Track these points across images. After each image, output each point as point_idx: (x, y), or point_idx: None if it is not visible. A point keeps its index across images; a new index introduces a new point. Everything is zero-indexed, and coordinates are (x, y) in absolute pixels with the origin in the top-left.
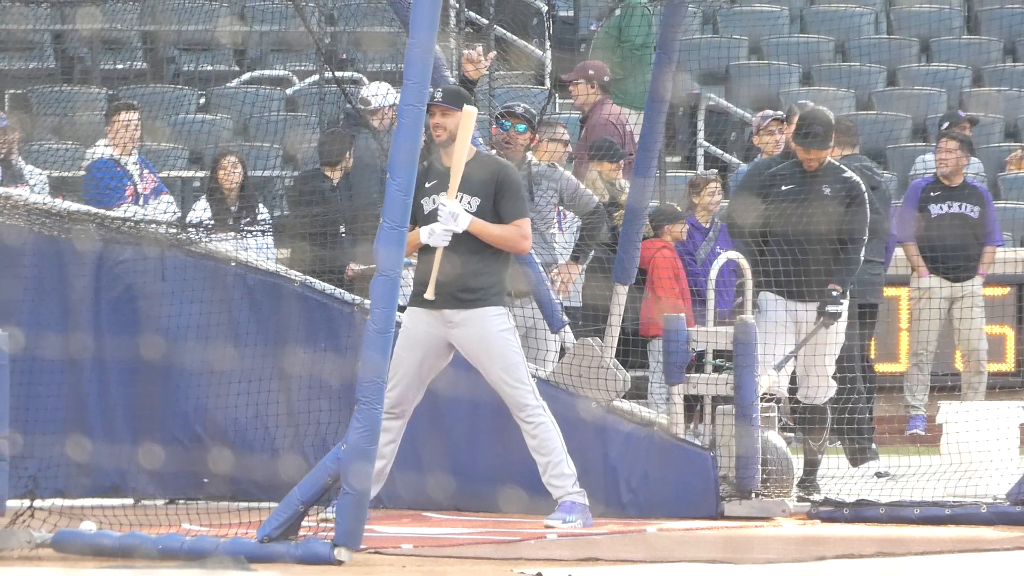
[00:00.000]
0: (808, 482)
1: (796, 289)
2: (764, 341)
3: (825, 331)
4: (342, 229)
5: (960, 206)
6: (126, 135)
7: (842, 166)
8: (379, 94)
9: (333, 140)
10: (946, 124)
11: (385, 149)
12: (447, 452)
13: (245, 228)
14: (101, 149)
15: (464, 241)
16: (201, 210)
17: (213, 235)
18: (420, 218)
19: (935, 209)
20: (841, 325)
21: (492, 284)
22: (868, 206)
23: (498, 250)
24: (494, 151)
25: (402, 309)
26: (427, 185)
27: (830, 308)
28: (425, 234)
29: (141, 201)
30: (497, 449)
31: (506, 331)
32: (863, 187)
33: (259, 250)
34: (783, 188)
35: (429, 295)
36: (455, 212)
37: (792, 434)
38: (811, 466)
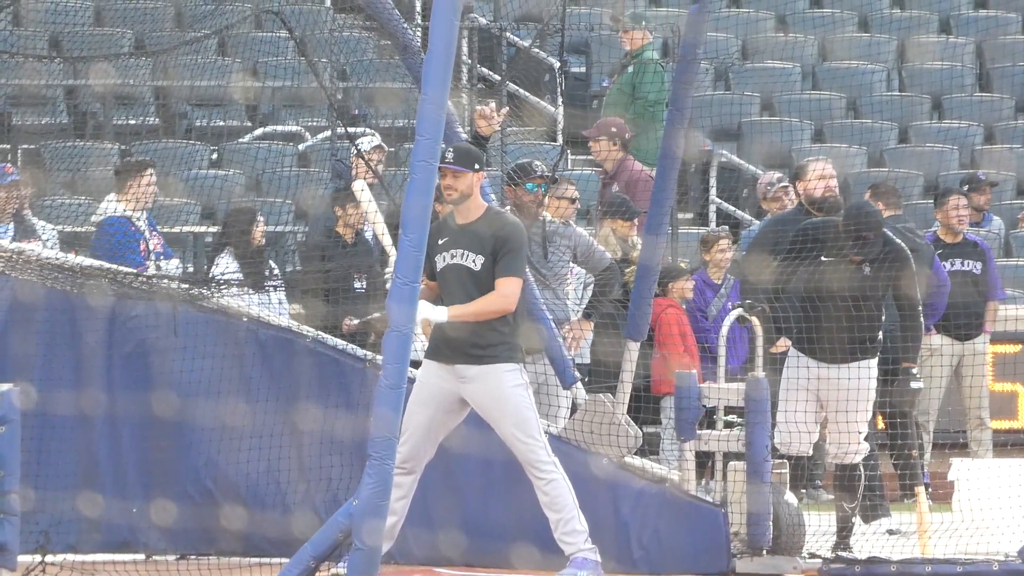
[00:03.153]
0: (843, 545)
1: (826, 348)
2: (786, 399)
3: (857, 391)
4: (357, 284)
5: (963, 263)
6: (144, 193)
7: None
8: (364, 140)
9: (344, 198)
10: (966, 187)
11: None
12: (459, 508)
13: (266, 283)
14: (114, 205)
15: (461, 297)
16: (224, 265)
17: (231, 290)
18: (434, 274)
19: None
20: (872, 383)
21: (504, 340)
22: (913, 269)
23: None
24: (507, 208)
25: (415, 364)
26: (440, 242)
27: (913, 385)
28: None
29: (152, 258)
30: (509, 505)
31: (519, 387)
32: (907, 251)
33: (272, 305)
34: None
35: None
36: (427, 317)
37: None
38: (844, 523)
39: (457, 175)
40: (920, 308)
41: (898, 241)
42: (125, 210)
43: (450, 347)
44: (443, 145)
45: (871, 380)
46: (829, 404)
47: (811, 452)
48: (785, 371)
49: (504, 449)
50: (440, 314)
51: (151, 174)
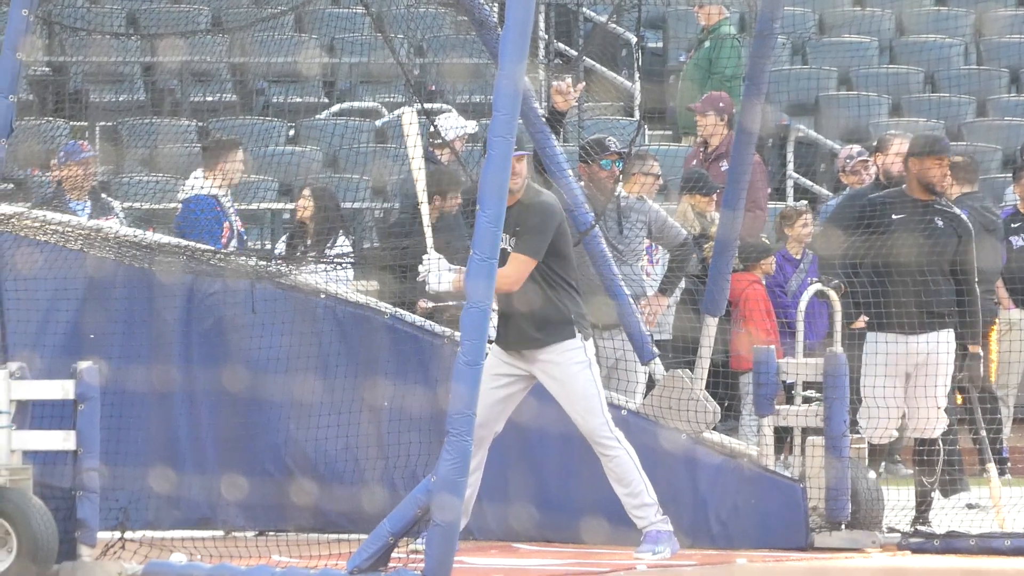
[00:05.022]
0: (922, 519)
1: (909, 321)
2: (872, 384)
3: (936, 364)
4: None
5: None
6: (232, 171)
7: (948, 203)
8: (449, 126)
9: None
10: None
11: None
12: (537, 484)
13: (318, 260)
14: (200, 182)
15: (525, 288)
16: (282, 243)
17: (297, 267)
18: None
19: (1017, 241)
20: (950, 357)
21: (562, 318)
22: (974, 242)
23: (554, 286)
24: (581, 183)
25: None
26: None
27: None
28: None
29: (236, 240)
30: (587, 481)
31: (581, 363)
32: (968, 225)
33: (346, 282)
34: (894, 217)
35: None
36: (431, 269)
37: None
38: (923, 498)
39: (520, 159)
40: (975, 283)
41: (959, 212)
42: (212, 188)
43: (512, 334)
44: None
45: (950, 353)
46: (911, 378)
47: (895, 435)
48: (864, 356)
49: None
50: (443, 281)
51: (241, 153)
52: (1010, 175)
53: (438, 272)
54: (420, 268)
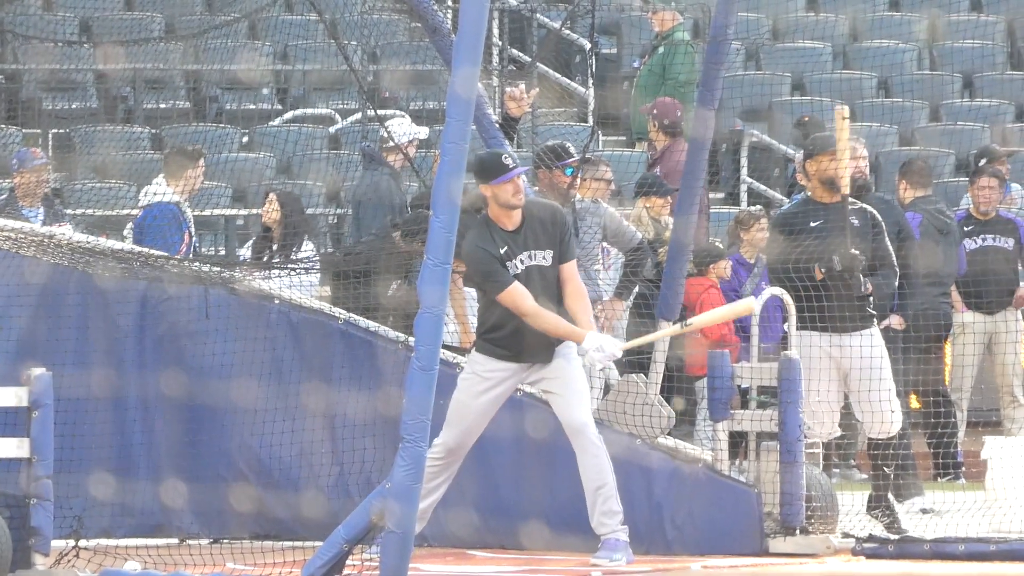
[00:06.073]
0: (879, 513)
1: (839, 323)
2: (808, 379)
3: (871, 358)
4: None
5: (994, 239)
6: (195, 181)
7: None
8: (401, 132)
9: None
10: (983, 160)
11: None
12: (491, 489)
13: (279, 265)
14: (163, 189)
15: (544, 297)
16: (246, 249)
17: (255, 272)
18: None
19: (969, 244)
20: (881, 351)
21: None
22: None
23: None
24: (535, 188)
25: (447, 347)
26: (503, 251)
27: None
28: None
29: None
30: (544, 487)
31: (577, 360)
32: (879, 216)
33: (303, 287)
34: (812, 225)
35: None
36: (605, 353)
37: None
38: (877, 499)
39: (521, 177)
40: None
41: (865, 207)
42: (174, 195)
43: (532, 349)
44: (503, 153)
45: (883, 347)
46: (851, 375)
47: (839, 432)
48: (814, 352)
49: (537, 431)
50: (615, 350)
51: (203, 163)
52: (964, 179)
53: (602, 350)
54: (590, 355)
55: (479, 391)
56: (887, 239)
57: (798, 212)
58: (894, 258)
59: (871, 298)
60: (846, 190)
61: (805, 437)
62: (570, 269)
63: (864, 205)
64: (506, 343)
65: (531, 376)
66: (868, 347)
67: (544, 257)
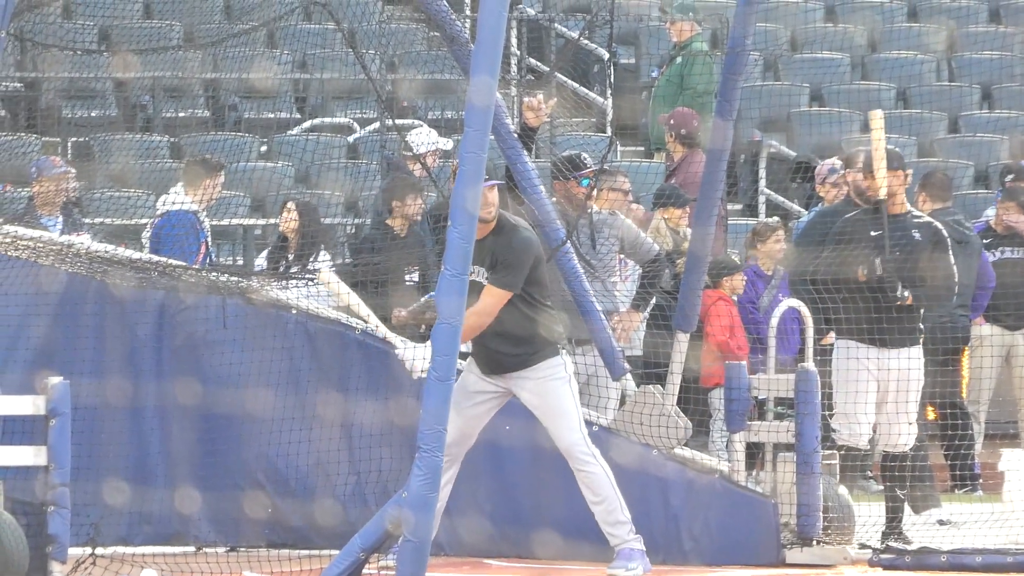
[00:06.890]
0: (895, 533)
1: (880, 336)
2: (846, 390)
3: (908, 380)
4: (408, 276)
5: (1013, 251)
6: (214, 192)
7: (917, 212)
8: (421, 142)
9: (395, 187)
10: (1011, 176)
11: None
12: (506, 499)
13: (295, 275)
14: (182, 198)
15: (501, 314)
16: (262, 258)
17: (273, 282)
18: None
19: (987, 256)
20: (919, 372)
21: (539, 339)
22: (951, 252)
23: (533, 307)
24: (553, 199)
25: (463, 357)
26: None
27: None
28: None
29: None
30: (559, 496)
31: (561, 379)
32: (944, 232)
33: (320, 297)
34: (872, 234)
35: None
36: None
37: (872, 482)
38: (894, 513)
39: (491, 188)
40: (952, 290)
41: (934, 221)
42: (191, 204)
43: (495, 357)
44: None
45: (921, 368)
46: (884, 392)
47: (868, 437)
48: (836, 362)
49: (551, 441)
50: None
51: (223, 175)
52: (983, 192)
53: (414, 354)
54: (399, 355)
55: (458, 389)
56: (951, 256)
57: (857, 219)
58: (955, 278)
59: (918, 314)
60: (883, 193)
61: (832, 443)
62: (488, 292)
63: (931, 219)
64: (473, 351)
65: (509, 385)
66: (907, 369)
67: (485, 276)
